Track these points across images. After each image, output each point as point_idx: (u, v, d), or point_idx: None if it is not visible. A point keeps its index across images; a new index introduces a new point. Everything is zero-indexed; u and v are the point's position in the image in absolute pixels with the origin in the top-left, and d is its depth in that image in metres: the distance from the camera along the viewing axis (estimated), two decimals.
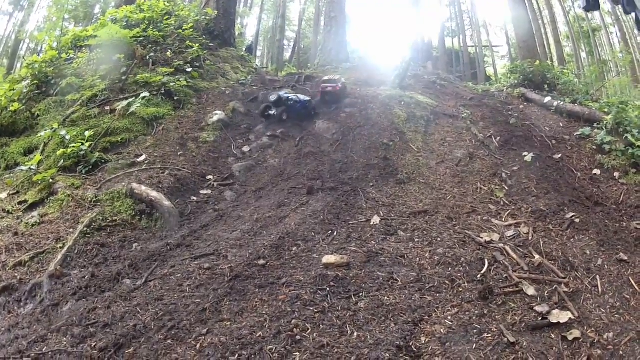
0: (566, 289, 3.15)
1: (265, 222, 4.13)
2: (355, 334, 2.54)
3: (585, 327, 2.74)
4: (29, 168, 5.13)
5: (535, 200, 4.61)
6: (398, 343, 2.45)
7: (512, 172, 5.26)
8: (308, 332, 2.53)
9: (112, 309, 2.88)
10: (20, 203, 4.70)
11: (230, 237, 3.88)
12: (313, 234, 3.84)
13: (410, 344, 2.49)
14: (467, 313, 2.80)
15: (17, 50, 24.59)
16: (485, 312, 2.82)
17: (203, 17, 10.75)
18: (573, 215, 4.32)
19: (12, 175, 5.41)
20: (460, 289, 3.06)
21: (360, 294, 2.93)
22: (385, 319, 2.68)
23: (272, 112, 6.87)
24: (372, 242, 3.70)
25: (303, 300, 2.83)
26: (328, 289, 2.95)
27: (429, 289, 3.04)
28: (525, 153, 5.65)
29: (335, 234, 3.85)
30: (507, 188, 4.93)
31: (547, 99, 7.93)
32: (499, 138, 6.27)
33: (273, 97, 6.93)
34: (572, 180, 5.24)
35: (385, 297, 2.90)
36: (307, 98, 7.06)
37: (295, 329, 2.53)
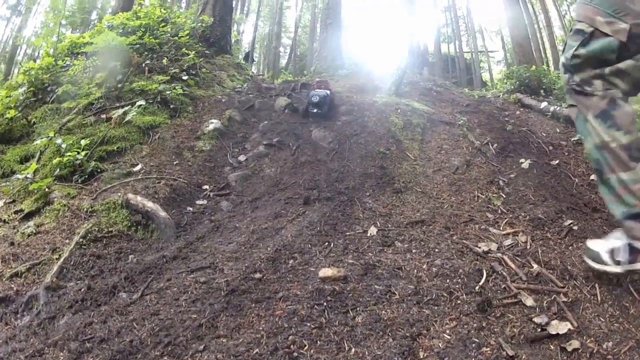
0: (565, 299, 3.11)
1: (262, 234, 4.10)
2: (353, 350, 2.51)
3: (585, 337, 2.70)
4: (25, 177, 5.09)
5: (532, 208, 4.59)
6: (396, 359, 2.42)
7: (509, 180, 5.24)
8: (305, 348, 2.50)
9: (108, 324, 2.83)
10: (16, 212, 4.66)
11: (226, 249, 3.84)
12: (309, 246, 3.80)
13: (409, 359, 2.46)
14: (465, 326, 2.76)
15: (15, 55, 24.68)
16: (484, 324, 2.79)
17: (199, 24, 10.78)
18: (571, 223, 4.29)
19: (8, 183, 5.37)
20: (459, 302, 3.03)
21: (358, 309, 2.89)
22: (383, 333, 2.65)
23: (315, 110, 7.28)
24: (369, 253, 3.66)
25: (300, 315, 2.79)
26: (325, 303, 2.91)
27: (426, 302, 3.01)
28: (522, 160, 5.63)
29: (332, 245, 3.81)
30: (504, 196, 4.90)
31: (544, 104, 7.95)
32: (495, 145, 6.25)
33: (315, 99, 7.28)
34: (570, 186, 5.23)
35: (383, 311, 2.86)
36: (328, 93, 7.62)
37: (292, 346, 2.50)
